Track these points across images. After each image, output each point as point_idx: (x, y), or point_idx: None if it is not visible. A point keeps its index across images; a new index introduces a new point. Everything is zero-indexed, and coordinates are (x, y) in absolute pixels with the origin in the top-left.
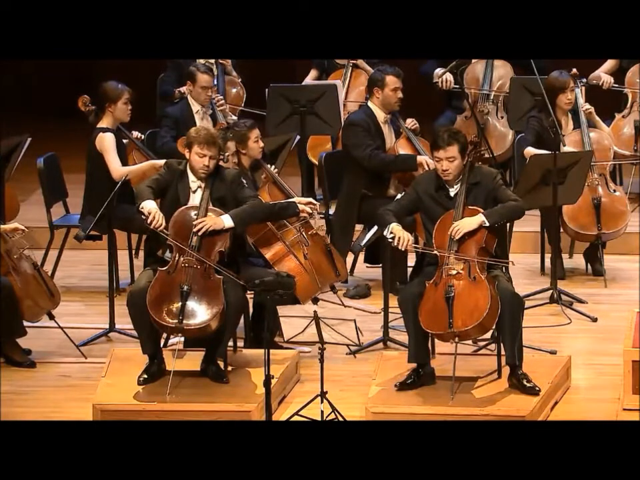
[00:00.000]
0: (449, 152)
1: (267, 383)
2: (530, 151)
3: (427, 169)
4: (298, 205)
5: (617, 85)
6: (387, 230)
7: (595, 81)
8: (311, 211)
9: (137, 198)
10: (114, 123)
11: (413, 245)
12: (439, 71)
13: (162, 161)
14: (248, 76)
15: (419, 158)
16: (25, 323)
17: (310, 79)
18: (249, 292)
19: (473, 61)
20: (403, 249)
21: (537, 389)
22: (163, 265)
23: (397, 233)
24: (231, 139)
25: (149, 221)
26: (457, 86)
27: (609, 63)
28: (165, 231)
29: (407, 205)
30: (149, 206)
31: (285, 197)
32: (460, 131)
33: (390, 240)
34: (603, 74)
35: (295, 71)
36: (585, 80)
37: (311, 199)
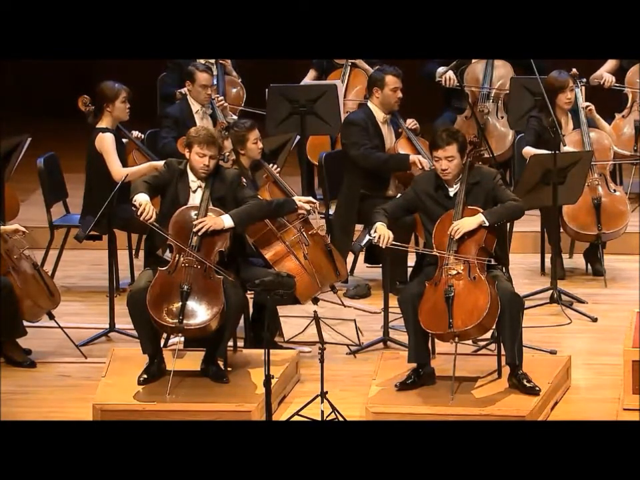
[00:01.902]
0: (448, 151)
1: (267, 382)
2: (529, 150)
3: (419, 167)
4: (296, 201)
5: (617, 85)
6: (372, 228)
7: (596, 80)
8: (309, 208)
9: (132, 192)
10: (113, 123)
11: (392, 243)
12: (441, 69)
13: (162, 162)
14: (248, 76)
15: (412, 157)
16: (25, 323)
17: (308, 79)
18: (249, 292)
19: (473, 60)
20: (383, 247)
21: (537, 389)
22: (163, 264)
23: (378, 231)
24: (226, 138)
25: (138, 213)
26: (458, 84)
27: (610, 63)
28: (154, 223)
29: (404, 205)
30: (140, 198)
31: (286, 196)
32: (459, 130)
33: (371, 238)
34: (605, 73)
35: (294, 71)
36: (584, 80)
37: (310, 198)
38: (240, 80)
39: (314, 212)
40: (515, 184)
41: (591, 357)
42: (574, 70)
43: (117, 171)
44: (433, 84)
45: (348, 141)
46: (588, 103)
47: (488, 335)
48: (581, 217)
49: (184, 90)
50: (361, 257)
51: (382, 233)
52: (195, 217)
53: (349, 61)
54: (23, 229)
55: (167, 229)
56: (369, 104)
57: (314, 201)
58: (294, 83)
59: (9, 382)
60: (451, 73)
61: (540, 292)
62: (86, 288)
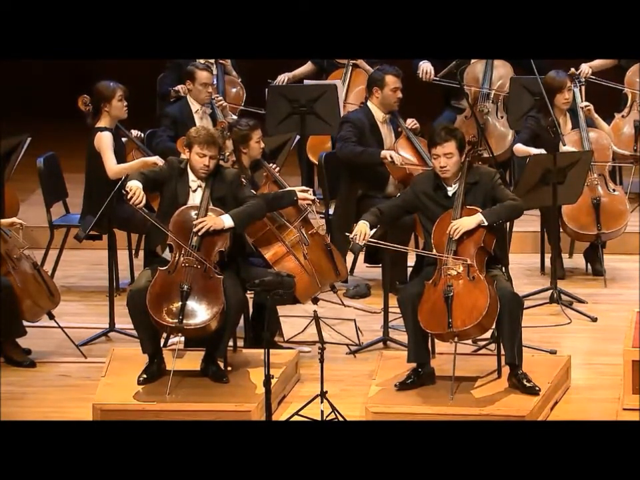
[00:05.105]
0: (447, 148)
1: (267, 382)
2: (519, 147)
3: (389, 160)
4: (297, 193)
5: (596, 80)
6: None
7: (572, 69)
8: (312, 198)
9: (127, 181)
10: (112, 122)
11: (369, 240)
12: (422, 63)
13: (153, 159)
14: (248, 76)
15: (383, 152)
16: (25, 323)
17: (304, 70)
18: (248, 292)
19: (473, 60)
20: (360, 244)
21: (537, 388)
22: (163, 264)
23: (356, 228)
24: (229, 138)
25: (128, 197)
26: (437, 78)
27: (602, 60)
28: (144, 209)
29: (401, 205)
30: (131, 184)
31: None
32: (457, 127)
33: (349, 235)
34: (583, 64)
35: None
36: (583, 79)
37: (304, 187)
38: (240, 80)
39: (313, 210)
40: (515, 184)
41: (590, 357)
42: (572, 70)
43: (111, 168)
44: (433, 83)
45: (337, 137)
46: (587, 103)
47: (488, 334)
48: (581, 217)
49: (178, 87)
50: (361, 256)
51: (359, 230)
52: (195, 216)
53: (351, 61)
54: (20, 222)
55: (161, 220)
56: (369, 103)
57: (307, 188)
58: (294, 83)
59: (9, 382)
60: (428, 66)
61: (540, 292)
62: (86, 288)
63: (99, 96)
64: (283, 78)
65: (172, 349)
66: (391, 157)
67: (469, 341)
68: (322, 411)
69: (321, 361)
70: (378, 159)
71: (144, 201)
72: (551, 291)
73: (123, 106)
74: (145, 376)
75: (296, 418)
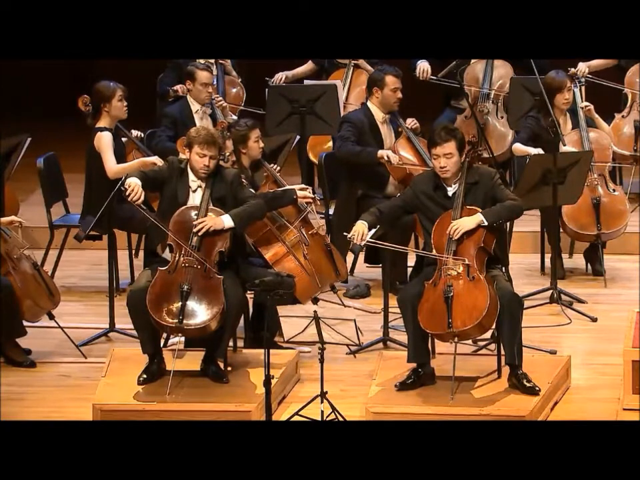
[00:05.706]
0: (446, 148)
1: (267, 382)
2: (518, 147)
3: (386, 160)
4: (296, 191)
5: (596, 80)
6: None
7: (572, 69)
8: (312, 196)
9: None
10: (111, 122)
11: (368, 240)
12: (420, 62)
13: (153, 159)
14: (248, 76)
15: (380, 152)
16: (25, 323)
17: (304, 69)
18: (249, 292)
19: (473, 60)
20: (359, 244)
21: (537, 388)
22: (163, 264)
23: (354, 228)
24: (229, 138)
25: (127, 193)
26: (436, 78)
27: (601, 59)
28: (142, 206)
29: (401, 205)
30: (130, 180)
31: None
32: (457, 127)
33: (347, 235)
34: (581, 63)
35: None
36: (583, 80)
37: (303, 185)
38: (240, 80)
39: (313, 210)
40: (515, 184)
41: (590, 357)
42: (572, 70)
43: (110, 168)
44: (433, 83)
45: (337, 137)
46: (587, 103)
47: (488, 334)
48: (581, 217)
49: (177, 87)
50: (361, 256)
51: (356, 230)
52: (195, 217)
53: (352, 61)
54: (19, 220)
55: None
56: (369, 104)
57: (306, 186)
58: (294, 83)
59: (9, 382)
60: (425, 65)
61: (540, 292)
62: (86, 288)
63: (99, 96)
64: (281, 76)
65: (172, 349)
66: (388, 157)
67: (469, 341)
68: (322, 411)
69: (321, 361)
70: (375, 159)
71: (142, 198)
72: (551, 290)
73: (123, 106)
74: (145, 376)
75: (296, 418)
